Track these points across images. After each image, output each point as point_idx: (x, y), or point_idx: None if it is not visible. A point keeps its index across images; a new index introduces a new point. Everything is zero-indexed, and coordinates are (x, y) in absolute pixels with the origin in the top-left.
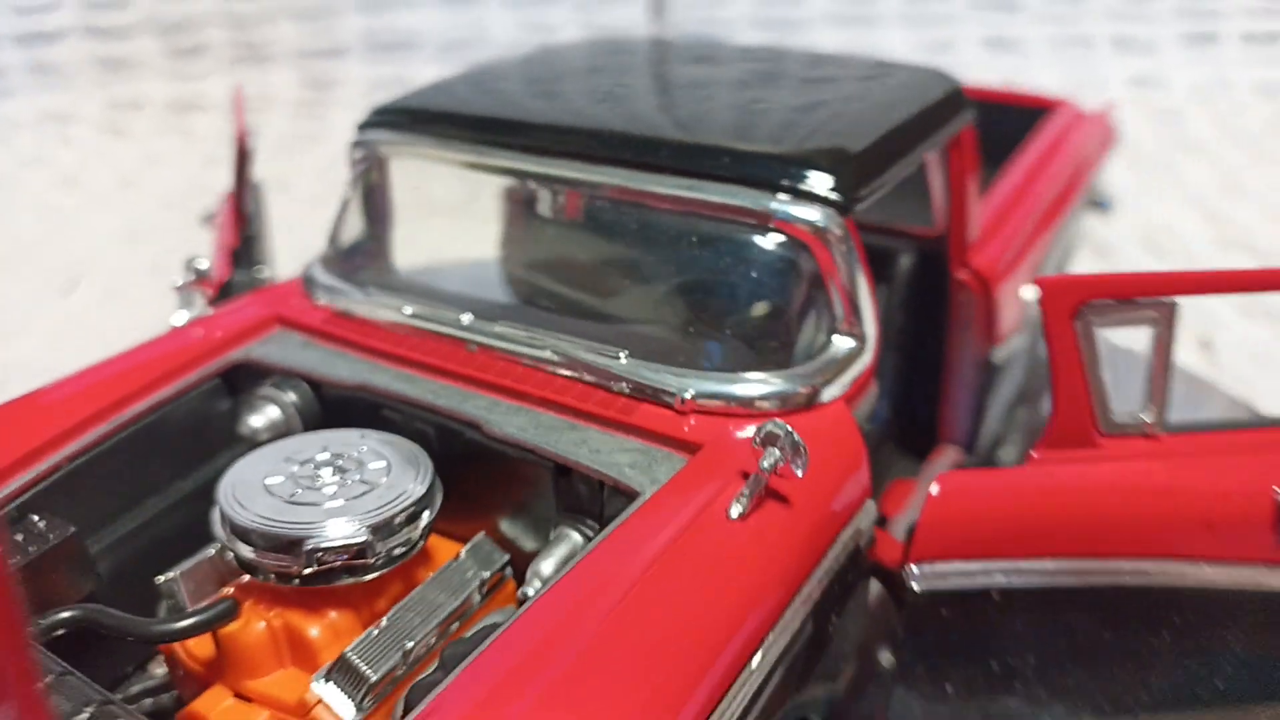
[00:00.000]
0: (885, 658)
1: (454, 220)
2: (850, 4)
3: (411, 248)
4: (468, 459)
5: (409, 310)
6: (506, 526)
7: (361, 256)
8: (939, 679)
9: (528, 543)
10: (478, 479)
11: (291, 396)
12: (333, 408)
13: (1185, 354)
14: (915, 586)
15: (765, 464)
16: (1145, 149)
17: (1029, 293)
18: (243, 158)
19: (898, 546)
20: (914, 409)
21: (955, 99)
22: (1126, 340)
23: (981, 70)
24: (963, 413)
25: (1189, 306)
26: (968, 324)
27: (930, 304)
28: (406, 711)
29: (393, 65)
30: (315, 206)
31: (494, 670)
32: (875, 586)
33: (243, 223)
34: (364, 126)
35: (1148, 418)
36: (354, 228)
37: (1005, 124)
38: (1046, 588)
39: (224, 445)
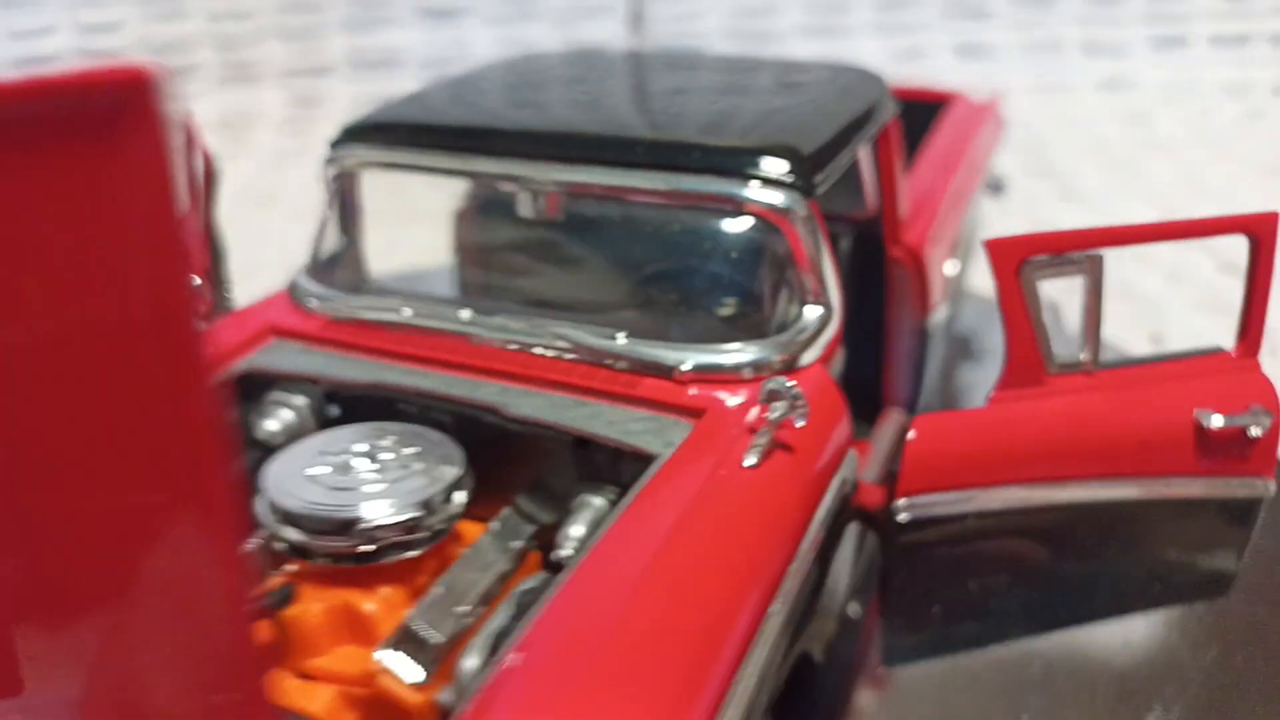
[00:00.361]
0: (875, 590)
1: (433, 226)
2: (822, 15)
3: (395, 255)
4: (486, 442)
5: (408, 311)
6: (525, 502)
7: (346, 266)
8: (927, 602)
9: (546, 515)
10: (497, 460)
11: (302, 400)
12: (346, 408)
13: (1140, 348)
14: (902, 518)
15: (772, 416)
16: (1113, 149)
17: (950, 267)
18: (209, 180)
19: (877, 491)
20: (861, 376)
21: (885, 96)
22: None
23: (953, 75)
24: (904, 377)
25: (1144, 303)
26: (904, 296)
27: (869, 280)
28: (493, 652)
29: (377, 82)
30: (302, 220)
31: (565, 613)
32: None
33: (211, 244)
34: (336, 144)
35: (1085, 357)
36: (335, 240)
37: (909, 116)
38: (1013, 509)
39: (237, 452)
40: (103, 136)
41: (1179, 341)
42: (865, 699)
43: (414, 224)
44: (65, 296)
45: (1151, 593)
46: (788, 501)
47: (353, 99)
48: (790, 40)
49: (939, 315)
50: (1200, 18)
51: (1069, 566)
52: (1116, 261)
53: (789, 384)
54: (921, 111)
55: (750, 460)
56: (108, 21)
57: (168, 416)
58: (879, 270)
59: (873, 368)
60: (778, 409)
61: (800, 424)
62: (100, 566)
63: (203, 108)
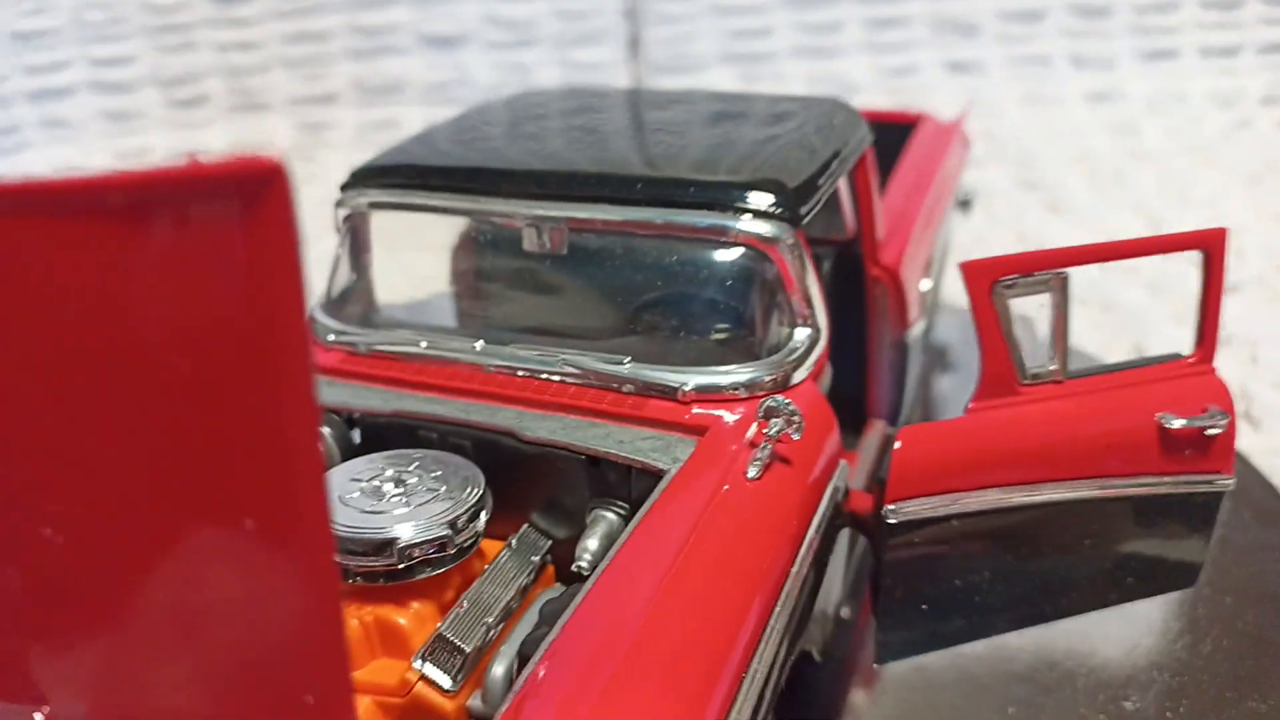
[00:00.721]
0: (866, 592)
1: (441, 263)
2: (814, 37)
3: (406, 292)
4: (503, 465)
5: (424, 343)
6: (541, 519)
7: (358, 301)
8: (915, 600)
9: (561, 531)
10: (513, 481)
11: (326, 430)
12: (369, 436)
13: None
14: (892, 521)
15: (771, 431)
16: (1101, 160)
17: (925, 284)
18: None
19: (866, 498)
20: (845, 390)
21: (859, 126)
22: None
23: (942, 91)
24: (887, 390)
25: (1126, 314)
26: (884, 312)
27: (850, 298)
28: (522, 664)
29: (381, 109)
30: (312, 241)
31: (588, 622)
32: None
33: None
34: (345, 186)
35: (1054, 367)
36: (347, 276)
37: (880, 137)
38: (993, 510)
39: None
40: (243, 221)
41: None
42: (858, 697)
43: (425, 260)
44: (201, 362)
45: (1125, 586)
46: (788, 510)
47: (357, 125)
48: (783, 61)
49: (916, 329)
50: (1188, 29)
51: (1047, 564)
52: (1100, 274)
53: (785, 401)
54: (892, 133)
55: (753, 472)
56: (120, 55)
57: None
58: (860, 289)
59: (856, 381)
60: (776, 424)
61: (796, 437)
62: (197, 588)
63: (213, 136)
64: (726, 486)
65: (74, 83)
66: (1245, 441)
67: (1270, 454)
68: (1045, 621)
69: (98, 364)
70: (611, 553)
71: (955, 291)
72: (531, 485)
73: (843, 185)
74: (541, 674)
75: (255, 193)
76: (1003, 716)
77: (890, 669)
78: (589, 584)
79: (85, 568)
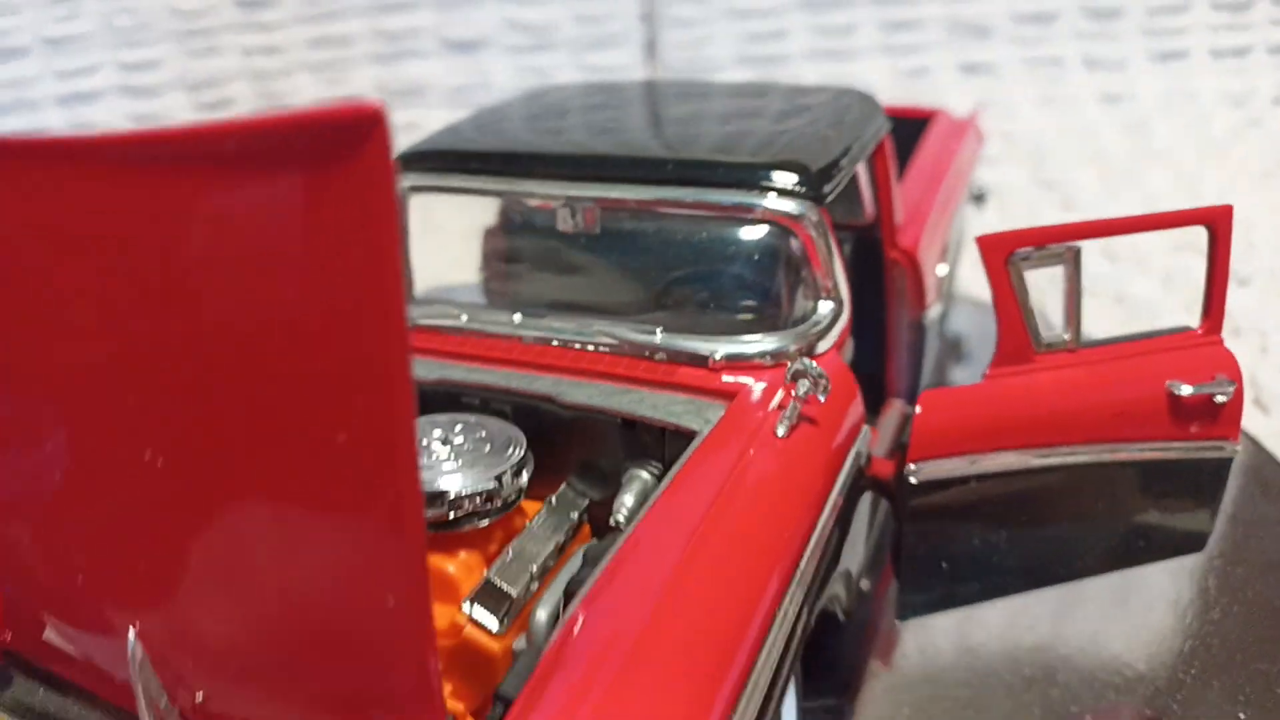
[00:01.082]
0: (889, 553)
1: (477, 246)
2: (830, 39)
3: (446, 271)
4: (542, 429)
5: (464, 317)
6: (578, 481)
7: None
8: (935, 559)
9: (597, 492)
10: (552, 445)
11: None
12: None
13: None
14: (913, 481)
15: (800, 392)
16: (1113, 158)
17: (941, 269)
18: None
19: (888, 464)
20: (866, 370)
21: (877, 113)
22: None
23: (957, 92)
24: (905, 369)
25: (1138, 305)
26: (902, 294)
27: (870, 281)
28: (567, 601)
29: (403, 111)
30: None
31: (624, 572)
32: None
33: None
34: None
35: (1068, 336)
36: None
37: (897, 132)
38: (1009, 472)
39: None
40: (343, 162)
41: None
42: (877, 666)
43: (462, 241)
44: (293, 312)
45: (1136, 550)
46: (814, 468)
47: None
48: (799, 64)
49: (933, 312)
50: (1199, 30)
51: (1061, 526)
52: (1112, 267)
53: (811, 364)
54: (909, 127)
55: (781, 431)
56: (147, 60)
57: (370, 432)
58: (879, 271)
59: (876, 361)
60: (803, 385)
61: (822, 399)
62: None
63: None
64: (755, 445)
65: (103, 87)
66: (1256, 425)
67: (1279, 437)
68: (1060, 583)
69: (207, 302)
70: (647, 507)
71: (969, 283)
72: (569, 448)
73: (862, 171)
74: (580, 620)
75: (358, 136)
76: (1017, 678)
77: (901, 664)
78: (627, 533)
79: (181, 489)
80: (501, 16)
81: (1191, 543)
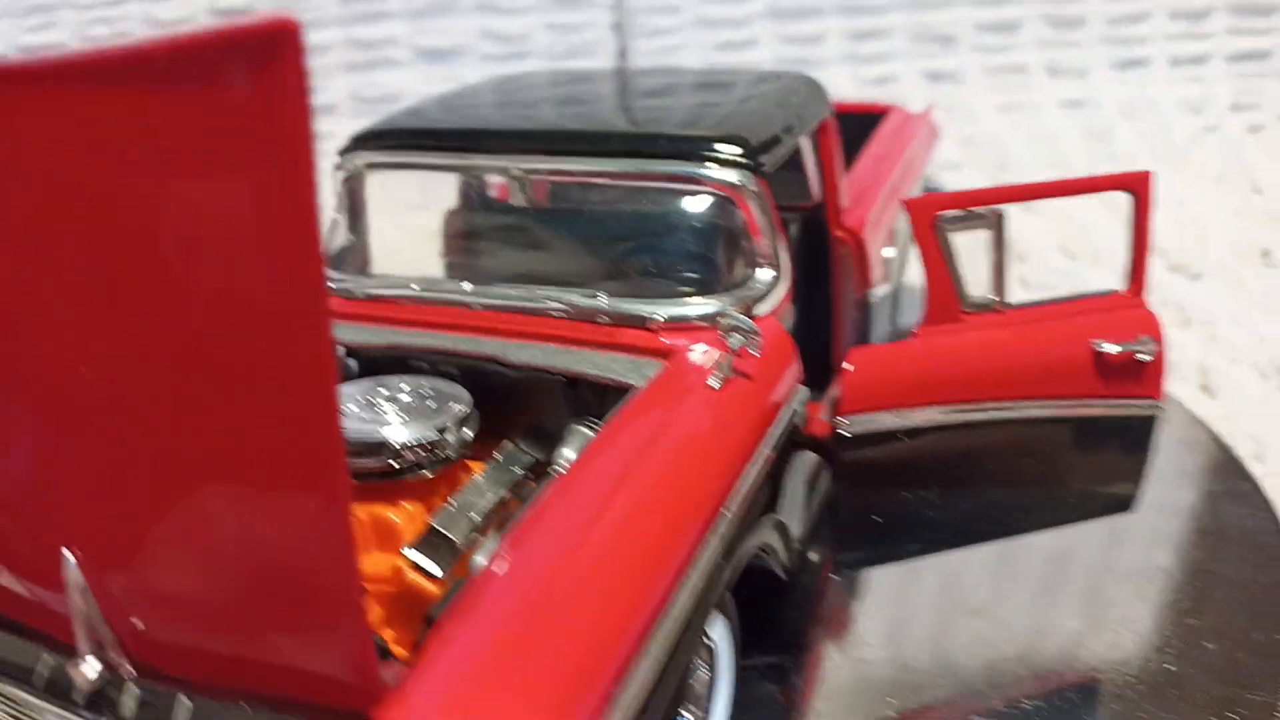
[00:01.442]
0: (827, 505)
1: (430, 218)
2: (797, 48)
3: (398, 244)
4: (489, 390)
5: (416, 286)
6: (523, 439)
7: (356, 258)
8: (868, 512)
9: (542, 450)
10: (498, 407)
11: None
12: (364, 368)
13: None
14: (845, 434)
15: (733, 344)
16: (1075, 163)
17: (889, 252)
18: None
19: (825, 425)
20: (812, 347)
21: (821, 96)
22: None
23: (923, 100)
24: (850, 346)
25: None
26: (848, 272)
27: (816, 260)
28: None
29: (379, 119)
30: None
31: (558, 504)
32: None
33: None
34: (344, 151)
35: (994, 297)
36: (344, 236)
37: (853, 128)
38: (937, 426)
39: None
40: (253, 80)
41: None
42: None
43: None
44: (202, 244)
45: (1067, 507)
46: (745, 418)
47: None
48: None
49: (880, 291)
50: (1158, 39)
51: (992, 483)
52: (1071, 264)
53: (744, 319)
54: (866, 122)
55: (713, 383)
56: None
57: (290, 382)
58: (825, 250)
59: (823, 342)
60: (735, 339)
61: (754, 353)
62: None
63: None
64: (689, 396)
65: None
66: (1203, 409)
67: (1224, 419)
68: (992, 540)
69: (127, 224)
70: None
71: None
72: (515, 409)
73: (807, 152)
74: (506, 553)
75: (269, 50)
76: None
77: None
78: (556, 479)
79: (115, 411)
80: (476, 26)
81: (1120, 503)
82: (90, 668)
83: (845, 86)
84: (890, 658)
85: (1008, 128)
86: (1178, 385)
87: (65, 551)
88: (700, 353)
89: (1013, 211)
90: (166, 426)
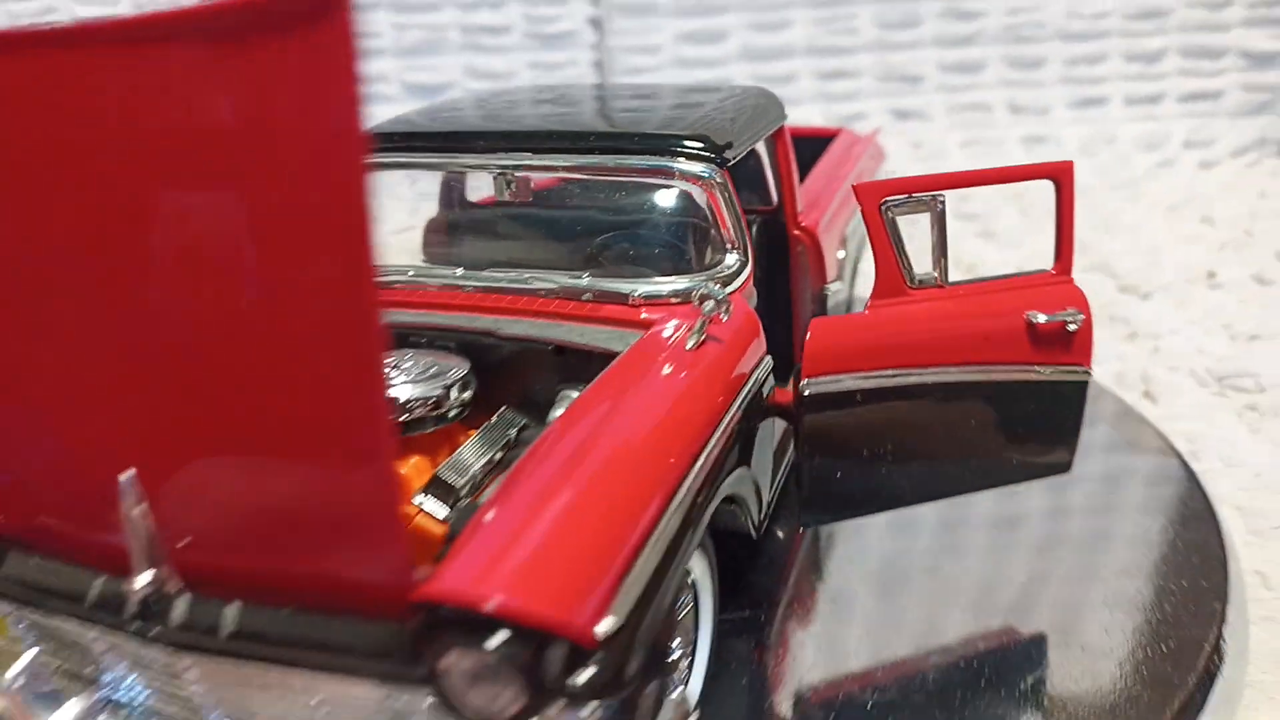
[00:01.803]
0: (791, 471)
1: (421, 215)
2: (770, 87)
3: (392, 244)
4: (484, 363)
5: (411, 272)
6: (517, 405)
7: None
8: (830, 469)
9: (534, 415)
10: (492, 376)
11: None
12: None
13: None
14: (807, 394)
15: (707, 310)
16: (1033, 194)
17: (840, 253)
18: None
19: (788, 393)
20: (773, 339)
21: (776, 106)
22: None
23: (890, 136)
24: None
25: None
26: (805, 268)
27: (775, 258)
28: None
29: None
30: None
31: (558, 438)
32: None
33: None
34: None
35: (936, 274)
36: None
37: (806, 150)
38: (890, 389)
39: None
40: (303, 29)
41: None
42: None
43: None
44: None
45: (1010, 467)
46: (720, 375)
47: None
48: None
49: (834, 287)
50: (1115, 79)
51: (939, 442)
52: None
53: (716, 288)
54: (818, 145)
55: (689, 344)
56: None
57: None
58: (784, 248)
59: (784, 333)
60: (709, 305)
61: (725, 318)
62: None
63: None
64: (666, 357)
65: None
66: (1147, 412)
67: (1165, 420)
68: (942, 497)
69: (180, 172)
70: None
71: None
72: (508, 379)
73: (764, 156)
74: (504, 490)
75: (319, 8)
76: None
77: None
78: (554, 424)
79: (185, 346)
80: (462, 63)
81: (1057, 463)
82: (144, 581)
83: (816, 123)
84: (854, 614)
85: (972, 162)
86: (1123, 392)
87: (123, 476)
88: (676, 324)
89: (968, 240)
90: (228, 358)
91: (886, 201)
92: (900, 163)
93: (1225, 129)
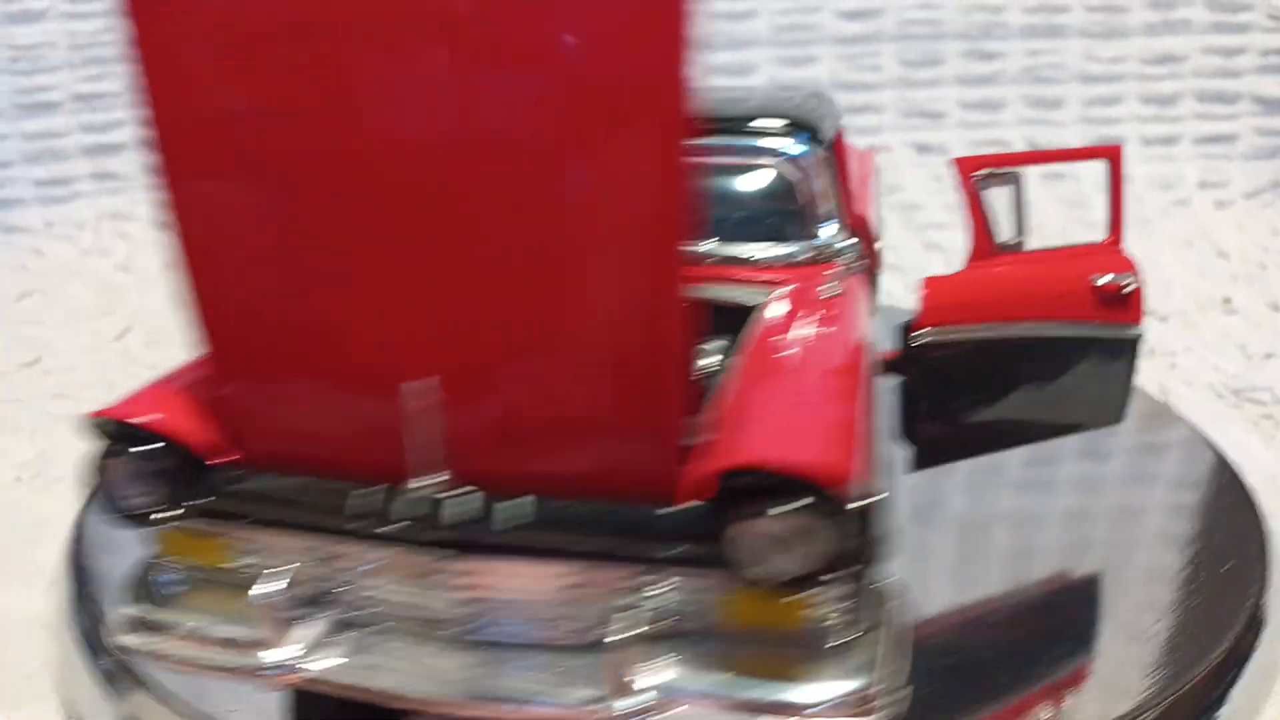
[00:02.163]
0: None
1: None
2: None
3: None
4: None
5: None
6: None
7: None
8: (935, 414)
9: None
10: None
11: None
12: None
13: None
14: (915, 345)
15: (842, 261)
16: (1053, 226)
17: None
18: None
19: (892, 352)
20: None
21: (835, 107)
22: None
23: (911, 169)
24: None
25: None
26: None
27: None
28: None
29: None
30: None
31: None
32: None
33: None
34: None
35: (1018, 239)
36: None
37: None
38: (983, 339)
39: None
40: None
41: None
42: None
43: None
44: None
45: (1079, 415)
46: (854, 317)
47: None
48: None
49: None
50: (1131, 121)
51: (1027, 389)
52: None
53: (847, 241)
54: None
55: (829, 292)
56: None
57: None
58: None
59: None
60: (845, 258)
61: (852, 273)
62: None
63: None
64: (810, 301)
65: (127, 140)
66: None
67: None
68: (1031, 442)
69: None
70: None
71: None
72: None
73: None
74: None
75: None
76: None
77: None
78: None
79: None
80: None
81: (1115, 412)
82: (426, 482)
83: None
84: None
85: (991, 196)
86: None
87: (409, 384)
88: (800, 280)
89: None
90: (539, 263)
91: (977, 174)
92: (920, 195)
93: (1239, 171)
